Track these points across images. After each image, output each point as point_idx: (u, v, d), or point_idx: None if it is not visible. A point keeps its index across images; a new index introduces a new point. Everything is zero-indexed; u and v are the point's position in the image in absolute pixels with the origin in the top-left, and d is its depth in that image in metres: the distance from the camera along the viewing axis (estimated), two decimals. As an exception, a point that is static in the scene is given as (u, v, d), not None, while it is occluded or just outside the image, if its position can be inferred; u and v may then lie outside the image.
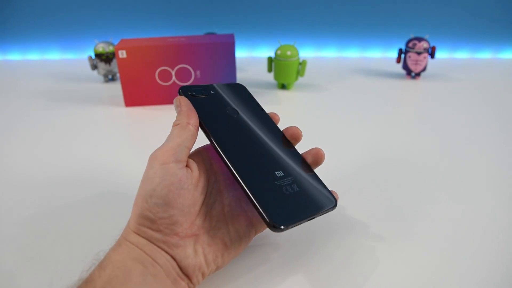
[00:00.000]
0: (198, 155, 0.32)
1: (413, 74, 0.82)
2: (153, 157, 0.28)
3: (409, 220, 0.38)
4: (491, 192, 0.43)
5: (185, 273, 0.27)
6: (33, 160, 0.52)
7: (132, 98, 0.69)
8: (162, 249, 0.27)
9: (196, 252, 0.28)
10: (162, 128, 0.41)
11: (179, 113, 0.31)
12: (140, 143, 0.57)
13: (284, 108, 0.69)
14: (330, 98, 0.73)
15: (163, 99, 0.70)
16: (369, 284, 0.31)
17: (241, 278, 0.31)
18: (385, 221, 0.38)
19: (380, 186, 0.44)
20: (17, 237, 0.38)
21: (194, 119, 0.31)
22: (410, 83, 0.81)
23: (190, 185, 0.28)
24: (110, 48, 0.81)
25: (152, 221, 0.27)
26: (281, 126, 0.36)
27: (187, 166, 0.29)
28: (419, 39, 0.79)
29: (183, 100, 0.32)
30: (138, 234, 0.27)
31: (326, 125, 0.61)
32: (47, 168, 0.50)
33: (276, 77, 0.77)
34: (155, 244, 0.27)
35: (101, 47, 0.80)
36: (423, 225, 0.38)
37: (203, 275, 0.28)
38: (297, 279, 0.31)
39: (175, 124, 0.30)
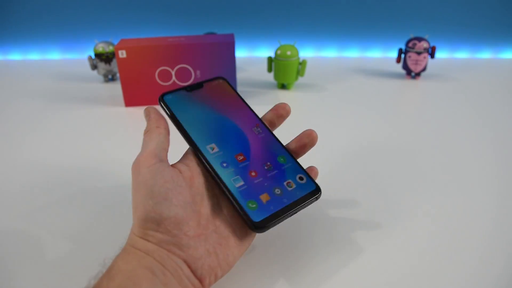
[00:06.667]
0: (190, 158, 0.32)
1: (413, 74, 0.82)
2: (135, 164, 0.29)
3: (407, 217, 0.38)
4: (491, 191, 0.43)
5: (198, 276, 0.27)
6: (33, 160, 0.52)
7: (132, 98, 0.69)
8: (173, 253, 0.26)
9: (208, 252, 0.27)
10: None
11: (148, 121, 0.32)
12: (140, 143, 0.57)
13: (284, 108, 0.69)
14: (330, 98, 0.73)
15: (163, 99, 0.69)
16: (357, 278, 0.31)
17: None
18: (384, 220, 0.38)
19: (379, 185, 0.44)
20: (17, 237, 0.38)
21: (162, 122, 0.32)
22: (410, 83, 0.81)
23: (183, 182, 0.29)
24: (110, 48, 0.81)
25: (158, 223, 0.26)
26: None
27: (176, 168, 0.30)
28: (419, 39, 0.79)
29: (152, 109, 0.33)
30: (146, 240, 0.26)
31: (326, 125, 0.61)
32: (47, 168, 0.50)
33: (276, 77, 0.77)
34: (165, 248, 0.26)
35: (101, 47, 0.80)
36: (418, 222, 0.38)
37: (215, 276, 0.28)
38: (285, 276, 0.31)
39: (145, 132, 0.32)
